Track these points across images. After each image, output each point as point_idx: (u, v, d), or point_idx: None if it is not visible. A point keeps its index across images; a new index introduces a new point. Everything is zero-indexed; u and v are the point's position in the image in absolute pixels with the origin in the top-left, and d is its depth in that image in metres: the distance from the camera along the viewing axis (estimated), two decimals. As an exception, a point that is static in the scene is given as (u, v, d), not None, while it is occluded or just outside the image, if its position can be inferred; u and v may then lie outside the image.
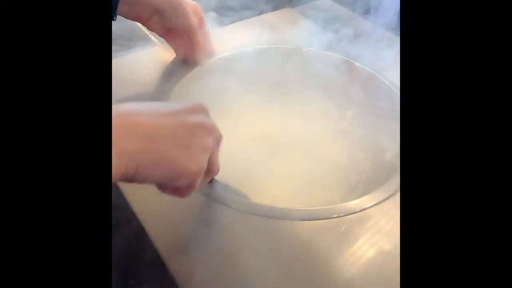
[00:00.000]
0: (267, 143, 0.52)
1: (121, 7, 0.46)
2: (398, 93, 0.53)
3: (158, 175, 0.26)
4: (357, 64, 0.58)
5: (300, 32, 0.65)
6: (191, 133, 0.27)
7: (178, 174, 0.26)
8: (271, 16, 0.70)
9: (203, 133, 0.27)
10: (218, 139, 0.31)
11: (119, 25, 0.61)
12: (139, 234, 0.36)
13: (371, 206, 0.40)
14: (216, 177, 0.38)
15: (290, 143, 0.52)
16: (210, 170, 0.30)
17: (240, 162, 0.46)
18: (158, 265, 0.34)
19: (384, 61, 0.58)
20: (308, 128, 0.55)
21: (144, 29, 0.64)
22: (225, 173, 0.37)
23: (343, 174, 0.49)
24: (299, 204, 0.41)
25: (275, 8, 0.72)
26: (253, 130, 0.53)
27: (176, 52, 0.55)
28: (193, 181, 0.27)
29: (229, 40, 0.62)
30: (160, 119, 0.26)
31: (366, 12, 0.67)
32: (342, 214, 0.39)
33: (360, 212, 0.39)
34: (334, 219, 0.38)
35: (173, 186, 0.28)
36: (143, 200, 0.38)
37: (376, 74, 0.57)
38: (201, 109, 0.29)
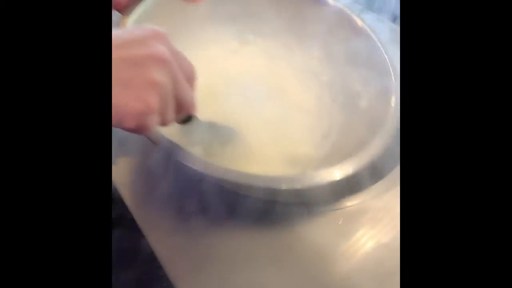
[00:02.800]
0: (228, 82, 0.47)
1: None
2: (372, 34, 0.47)
3: None
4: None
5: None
6: (136, 68, 0.23)
7: (121, 116, 0.23)
8: None
9: (151, 66, 0.24)
10: (179, 72, 0.26)
11: None
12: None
13: (369, 199, 0.39)
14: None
15: (253, 83, 0.48)
16: (181, 106, 0.27)
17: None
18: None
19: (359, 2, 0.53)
20: (272, 68, 0.50)
21: None
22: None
23: (313, 119, 0.46)
24: (272, 153, 0.39)
25: None
26: (212, 68, 0.47)
27: None
28: (141, 121, 0.24)
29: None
30: None
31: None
32: (340, 207, 0.38)
33: (359, 205, 0.39)
34: (332, 211, 0.38)
35: (123, 128, 0.25)
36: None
37: (349, 13, 0.49)
38: (155, 37, 0.25)
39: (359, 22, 0.47)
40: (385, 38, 0.46)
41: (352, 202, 0.39)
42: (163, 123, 0.27)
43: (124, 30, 0.26)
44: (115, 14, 0.37)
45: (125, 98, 0.23)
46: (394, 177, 0.41)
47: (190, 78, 0.28)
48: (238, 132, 0.42)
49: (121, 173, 0.39)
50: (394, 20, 0.60)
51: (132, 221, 0.36)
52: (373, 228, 0.37)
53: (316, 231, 0.36)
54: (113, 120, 0.23)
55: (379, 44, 0.45)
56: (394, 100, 0.39)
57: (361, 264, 0.35)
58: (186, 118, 0.32)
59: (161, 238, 0.35)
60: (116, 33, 0.24)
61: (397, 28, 0.58)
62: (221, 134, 0.42)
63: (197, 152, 0.33)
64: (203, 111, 0.33)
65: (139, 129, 0.25)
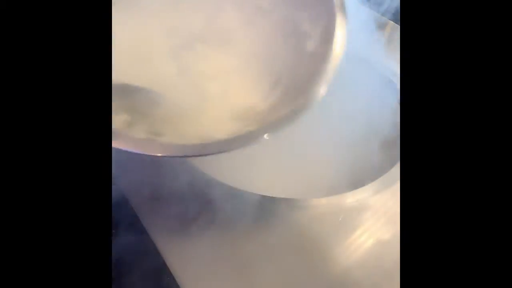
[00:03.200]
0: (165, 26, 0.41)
1: None
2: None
3: None
4: None
5: None
6: None
7: None
8: None
9: None
10: None
11: None
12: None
13: (369, 196, 0.39)
14: None
15: (196, 27, 0.42)
16: None
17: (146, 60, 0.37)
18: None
19: None
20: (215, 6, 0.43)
21: None
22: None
23: (262, 65, 0.41)
24: (215, 111, 0.35)
25: None
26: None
27: None
28: None
29: None
30: None
31: None
32: (339, 203, 0.38)
33: (359, 202, 0.39)
34: (333, 208, 0.38)
35: None
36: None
37: None
38: None
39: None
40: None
41: (351, 199, 0.39)
42: None
43: None
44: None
45: None
46: (394, 174, 0.41)
47: None
48: (168, 93, 0.37)
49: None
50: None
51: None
52: (373, 225, 0.37)
53: (316, 228, 0.37)
54: None
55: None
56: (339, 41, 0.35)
57: (361, 260, 0.35)
58: None
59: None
60: None
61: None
62: (147, 98, 0.37)
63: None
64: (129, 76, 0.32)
65: None
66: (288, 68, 0.39)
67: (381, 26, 0.62)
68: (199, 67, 0.40)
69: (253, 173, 0.46)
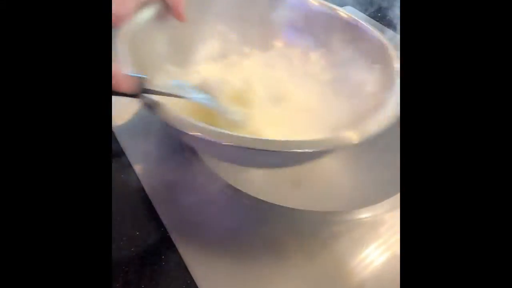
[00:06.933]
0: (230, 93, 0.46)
1: None
2: (359, 25, 0.47)
3: None
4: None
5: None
6: None
7: None
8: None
9: None
10: None
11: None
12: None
13: (385, 212, 0.40)
14: None
15: (254, 92, 0.47)
16: None
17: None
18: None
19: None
20: (272, 75, 0.50)
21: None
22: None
23: (318, 117, 0.45)
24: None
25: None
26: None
27: None
28: None
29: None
30: None
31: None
32: (357, 218, 0.40)
33: (375, 217, 0.40)
34: (349, 222, 0.39)
35: None
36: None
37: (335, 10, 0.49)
38: None
39: (349, 17, 0.47)
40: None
41: (368, 214, 0.40)
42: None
43: None
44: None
45: None
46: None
47: None
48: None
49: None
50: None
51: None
52: (389, 240, 0.38)
53: (333, 240, 0.38)
54: None
55: (374, 33, 0.45)
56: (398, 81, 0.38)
57: (376, 274, 0.35)
58: (141, 89, 0.30)
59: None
60: None
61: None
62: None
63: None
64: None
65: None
66: (344, 115, 0.43)
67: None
68: (264, 118, 0.44)
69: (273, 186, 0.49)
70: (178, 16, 0.44)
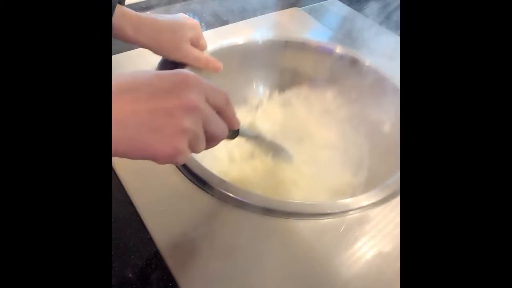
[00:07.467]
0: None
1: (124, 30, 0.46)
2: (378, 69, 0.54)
3: (136, 157, 0.27)
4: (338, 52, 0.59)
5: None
6: (167, 117, 0.26)
7: (154, 158, 0.27)
8: (278, 15, 0.70)
9: (181, 115, 0.26)
10: (209, 112, 0.29)
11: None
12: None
13: (370, 207, 0.39)
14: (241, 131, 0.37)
15: (279, 134, 0.53)
16: (212, 138, 0.30)
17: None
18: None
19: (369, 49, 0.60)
20: (292, 115, 0.57)
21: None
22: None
23: (343, 153, 0.52)
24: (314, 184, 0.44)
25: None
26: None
27: None
28: (173, 161, 0.27)
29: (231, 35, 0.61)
30: (137, 105, 0.26)
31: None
32: (339, 211, 0.39)
33: (360, 213, 0.39)
34: (333, 219, 0.38)
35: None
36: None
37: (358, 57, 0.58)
38: (186, 85, 0.28)
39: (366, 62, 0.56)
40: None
41: (353, 211, 0.39)
42: (196, 152, 0.30)
43: (157, 75, 0.27)
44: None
45: (156, 143, 0.26)
46: (395, 186, 0.41)
47: (224, 106, 0.30)
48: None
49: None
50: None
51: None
52: (375, 237, 0.37)
53: (317, 239, 0.36)
54: (148, 158, 0.26)
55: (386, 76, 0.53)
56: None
57: (362, 272, 0.34)
58: (232, 134, 0.34)
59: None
60: (150, 78, 0.27)
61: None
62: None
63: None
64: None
65: (172, 163, 0.28)
66: (366, 150, 0.50)
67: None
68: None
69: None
70: (214, 69, 0.53)
